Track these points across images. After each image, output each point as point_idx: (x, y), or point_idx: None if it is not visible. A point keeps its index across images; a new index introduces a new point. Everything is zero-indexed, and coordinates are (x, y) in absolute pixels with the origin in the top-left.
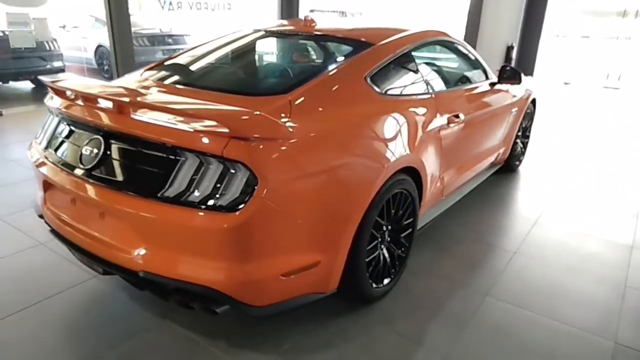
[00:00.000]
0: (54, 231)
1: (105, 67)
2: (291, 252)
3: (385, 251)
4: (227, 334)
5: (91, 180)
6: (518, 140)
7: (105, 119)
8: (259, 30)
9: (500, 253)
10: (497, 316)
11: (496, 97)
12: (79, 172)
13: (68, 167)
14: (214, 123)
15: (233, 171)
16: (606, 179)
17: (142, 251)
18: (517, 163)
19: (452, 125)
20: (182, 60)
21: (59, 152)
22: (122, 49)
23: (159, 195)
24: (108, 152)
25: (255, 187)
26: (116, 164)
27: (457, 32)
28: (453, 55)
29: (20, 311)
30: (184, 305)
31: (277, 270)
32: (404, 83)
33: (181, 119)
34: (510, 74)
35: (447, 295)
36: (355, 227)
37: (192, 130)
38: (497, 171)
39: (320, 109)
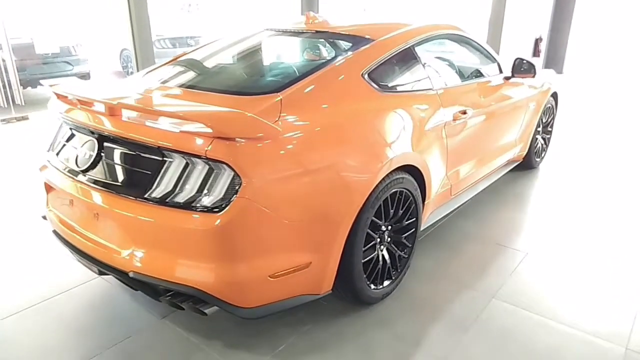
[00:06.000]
0: (55, 232)
1: (130, 70)
2: (279, 253)
3: (385, 252)
4: (223, 334)
5: (85, 182)
6: (538, 136)
7: (98, 122)
8: (259, 30)
9: (511, 253)
10: (502, 319)
11: (509, 92)
12: (74, 173)
13: (66, 169)
14: (198, 124)
15: (218, 172)
16: (632, 174)
17: (132, 251)
18: (538, 160)
19: (458, 121)
20: (182, 61)
21: (59, 155)
22: (143, 52)
23: (146, 196)
24: (101, 154)
25: (240, 188)
26: (108, 165)
27: (480, 24)
28: (462, 49)
29: (23, 310)
30: (174, 305)
31: (265, 271)
32: (404, 79)
33: (168, 120)
34: (523, 67)
35: (451, 296)
36: (349, 227)
37: (177, 131)
38: (517, 168)
39: (312, 107)
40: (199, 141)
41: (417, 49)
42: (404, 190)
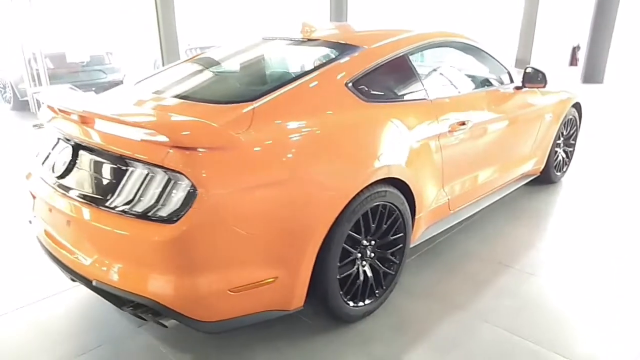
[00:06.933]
0: (37, 238)
1: None
2: (240, 267)
3: (367, 268)
4: (196, 348)
5: (59, 189)
6: (558, 150)
7: (71, 129)
8: (255, 38)
9: (513, 274)
10: (491, 344)
11: (520, 102)
12: (50, 180)
13: (45, 176)
14: (156, 132)
15: (175, 182)
16: None
17: (95, 260)
18: (559, 174)
19: (456, 133)
20: (174, 70)
21: (44, 163)
22: (170, 60)
23: (107, 204)
24: (75, 162)
25: (196, 198)
26: (79, 173)
27: (510, 30)
28: (469, 58)
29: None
30: (136, 316)
31: (224, 285)
32: (394, 88)
33: (131, 129)
34: (534, 77)
35: (439, 318)
36: (320, 242)
37: (139, 139)
38: (535, 182)
39: (286, 116)
40: (158, 150)
41: (412, 57)
42: (388, 203)
